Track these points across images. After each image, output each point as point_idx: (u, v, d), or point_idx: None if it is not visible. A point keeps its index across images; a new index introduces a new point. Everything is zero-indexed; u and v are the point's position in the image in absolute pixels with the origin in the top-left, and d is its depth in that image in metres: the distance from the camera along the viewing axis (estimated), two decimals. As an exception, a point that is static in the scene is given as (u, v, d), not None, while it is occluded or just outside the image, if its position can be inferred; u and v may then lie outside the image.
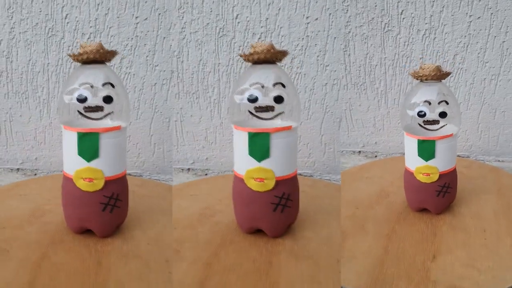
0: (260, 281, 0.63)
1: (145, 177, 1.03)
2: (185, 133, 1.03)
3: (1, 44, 0.98)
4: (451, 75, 0.98)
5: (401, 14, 1.01)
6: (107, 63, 0.70)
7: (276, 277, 0.64)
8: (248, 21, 0.97)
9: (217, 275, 0.63)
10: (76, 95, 0.70)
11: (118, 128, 0.71)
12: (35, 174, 1.03)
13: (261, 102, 0.70)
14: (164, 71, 0.99)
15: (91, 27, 0.97)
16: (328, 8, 0.97)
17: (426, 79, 0.77)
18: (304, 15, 0.97)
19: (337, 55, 0.98)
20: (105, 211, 0.72)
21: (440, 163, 0.81)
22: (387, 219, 0.78)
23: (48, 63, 0.99)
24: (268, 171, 0.71)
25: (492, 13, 0.98)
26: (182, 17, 0.97)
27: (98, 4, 0.96)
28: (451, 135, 0.80)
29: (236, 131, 0.71)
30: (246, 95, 0.70)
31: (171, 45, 0.98)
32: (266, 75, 0.69)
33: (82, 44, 0.69)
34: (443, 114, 0.79)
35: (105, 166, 0.71)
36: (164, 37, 0.96)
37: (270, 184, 0.72)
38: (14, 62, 0.98)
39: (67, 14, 0.97)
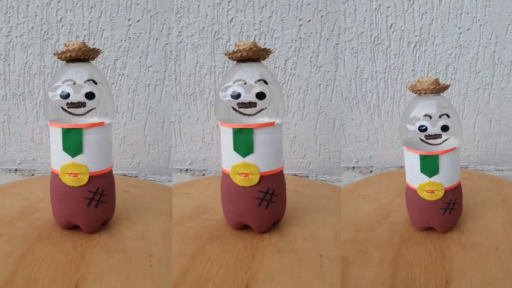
0: (241, 272, 0.64)
1: (140, 178, 1.03)
2: (183, 134, 1.03)
3: None
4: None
5: (390, 27, 1.03)
6: (91, 61, 0.73)
7: (257, 269, 0.65)
8: (243, 24, 0.98)
9: (200, 267, 0.65)
10: (59, 91, 0.72)
11: (101, 124, 0.73)
12: (33, 175, 1.04)
13: (244, 98, 0.71)
14: (157, 72, 0.99)
15: (85, 29, 1.00)
16: (320, 10, 0.98)
17: (425, 93, 0.75)
18: (296, 17, 0.98)
19: (330, 56, 1.00)
20: (90, 206, 0.74)
21: (445, 179, 0.78)
22: (391, 242, 0.73)
23: (44, 65, 1.01)
24: (252, 166, 0.73)
25: (481, 25, 0.99)
26: (179, 22, 0.99)
27: (91, 8, 0.99)
28: (454, 148, 0.77)
29: (222, 128, 0.73)
30: (230, 91, 0.72)
31: (163, 47, 0.99)
32: (249, 72, 0.71)
33: (65, 43, 0.72)
34: (445, 128, 0.77)
35: (89, 161, 0.73)
36: (157, 39, 0.99)
37: (255, 179, 0.73)
38: (11, 64, 1.01)
39: (61, 18, 1.00)
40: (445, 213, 0.78)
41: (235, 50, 0.70)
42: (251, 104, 0.71)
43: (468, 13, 0.99)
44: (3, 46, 0.99)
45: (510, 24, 0.97)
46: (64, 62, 0.71)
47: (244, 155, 0.72)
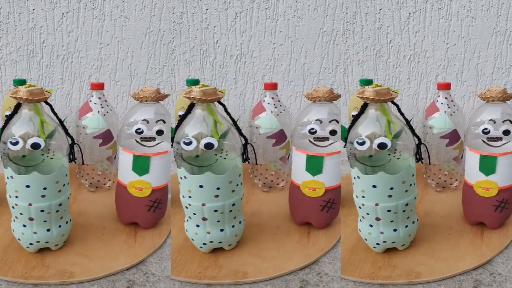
0: (292, 248, 0.95)
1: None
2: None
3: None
4: (434, 93, 1.19)
5: (390, 43, 1.27)
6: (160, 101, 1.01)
7: (311, 251, 0.93)
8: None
9: (272, 241, 0.97)
10: (135, 128, 0.94)
11: (166, 152, 0.96)
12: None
13: (319, 134, 0.94)
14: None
15: (64, 50, 1.30)
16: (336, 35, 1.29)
17: (493, 100, 0.91)
18: (316, 41, 1.29)
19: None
20: (149, 211, 0.97)
21: (500, 179, 0.90)
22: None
23: (31, 78, 1.30)
24: (319, 183, 0.95)
25: (465, 41, 1.24)
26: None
27: (69, 32, 1.31)
28: (512, 152, 0.97)
29: (297, 152, 0.96)
30: (308, 128, 0.94)
31: (133, 66, 1.32)
32: (324, 112, 0.95)
33: (142, 88, 0.96)
34: (506, 132, 0.87)
35: (152, 179, 0.96)
36: (123, 59, 1.32)
37: (320, 192, 0.95)
38: (3, 77, 1.30)
39: (44, 40, 1.30)
40: (496, 210, 0.92)
41: (314, 95, 0.96)
42: (325, 139, 0.94)
43: (454, 31, 1.22)
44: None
45: (490, 41, 1.20)
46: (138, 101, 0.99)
47: (314, 175, 0.95)
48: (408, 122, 0.87)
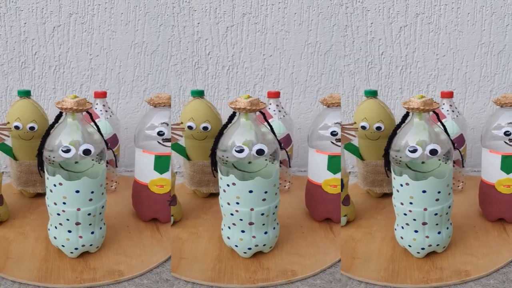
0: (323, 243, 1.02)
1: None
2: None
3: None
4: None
5: (382, 54, 1.29)
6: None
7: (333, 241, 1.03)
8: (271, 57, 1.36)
9: (302, 239, 1.03)
10: (156, 130, 1.02)
11: None
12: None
13: (339, 135, 1.04)
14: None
15: (56, 61, 1.33)
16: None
17: (511, 106, 1.01)
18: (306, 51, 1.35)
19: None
20: (170, 206, 1.06)
21: None
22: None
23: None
24: (339, 180, 1.03)
25: (453, 52, 1.32)
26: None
27: (61, 44, 1.35)
28: (531, 151, 1.08)
29: (317, 153, 1.03)
30: (330, 130, 1.02)
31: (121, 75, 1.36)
32: (339, 116, 1.05)
33: (157, 95, 1.04)
34: None
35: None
36: (112, 69, 1.36)
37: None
38: None
39: (36, 52, 1.32)
40: (516, 205, 1.12)
41: (331, 101, 1.04)
42: (345, 140, 1.10)
43: (443, 43, 1.31)
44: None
45: (476, 52, 1.28)
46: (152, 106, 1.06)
47: (334, 173, 1.03)
48: (445, 129, 0.92)
